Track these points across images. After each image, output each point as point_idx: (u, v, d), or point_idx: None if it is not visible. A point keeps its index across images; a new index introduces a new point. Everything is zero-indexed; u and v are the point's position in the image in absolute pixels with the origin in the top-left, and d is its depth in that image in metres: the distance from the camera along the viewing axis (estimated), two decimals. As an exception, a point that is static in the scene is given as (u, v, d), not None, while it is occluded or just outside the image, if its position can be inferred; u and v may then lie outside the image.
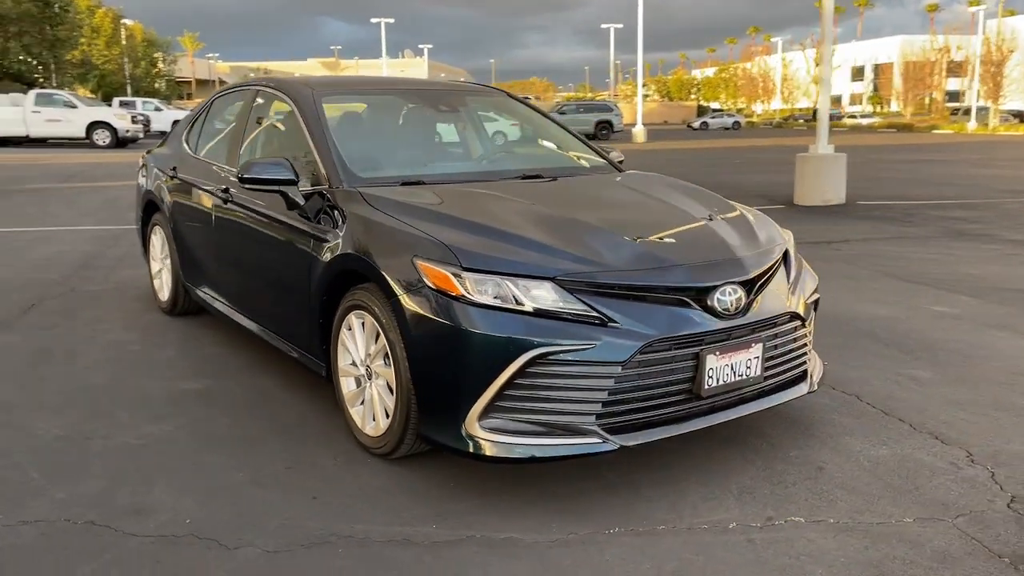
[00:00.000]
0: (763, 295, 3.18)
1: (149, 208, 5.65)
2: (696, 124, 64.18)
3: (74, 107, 28.44)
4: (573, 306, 2.83)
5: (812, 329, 3.50)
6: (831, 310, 5.62)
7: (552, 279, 2.85)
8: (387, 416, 3.17)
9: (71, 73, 44.47)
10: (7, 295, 6.15)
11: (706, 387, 2.97)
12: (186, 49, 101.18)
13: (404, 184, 3.67)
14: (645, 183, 4.12)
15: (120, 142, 28.45)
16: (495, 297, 2.82)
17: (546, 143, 4.77)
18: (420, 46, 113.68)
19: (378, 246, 3.19)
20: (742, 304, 3.05)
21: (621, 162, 4.71)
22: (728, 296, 3.01)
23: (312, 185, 3.68)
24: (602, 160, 4.53)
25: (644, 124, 40.18)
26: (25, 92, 30.45)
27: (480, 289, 2.83)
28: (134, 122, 29.51)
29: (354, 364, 3.38)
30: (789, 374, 3.32)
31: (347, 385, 3.45)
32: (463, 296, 2.83)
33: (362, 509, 2.90)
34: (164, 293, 5.53)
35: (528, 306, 2.81)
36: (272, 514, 2.87)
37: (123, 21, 61.62)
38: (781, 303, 3.24)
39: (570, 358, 2.78)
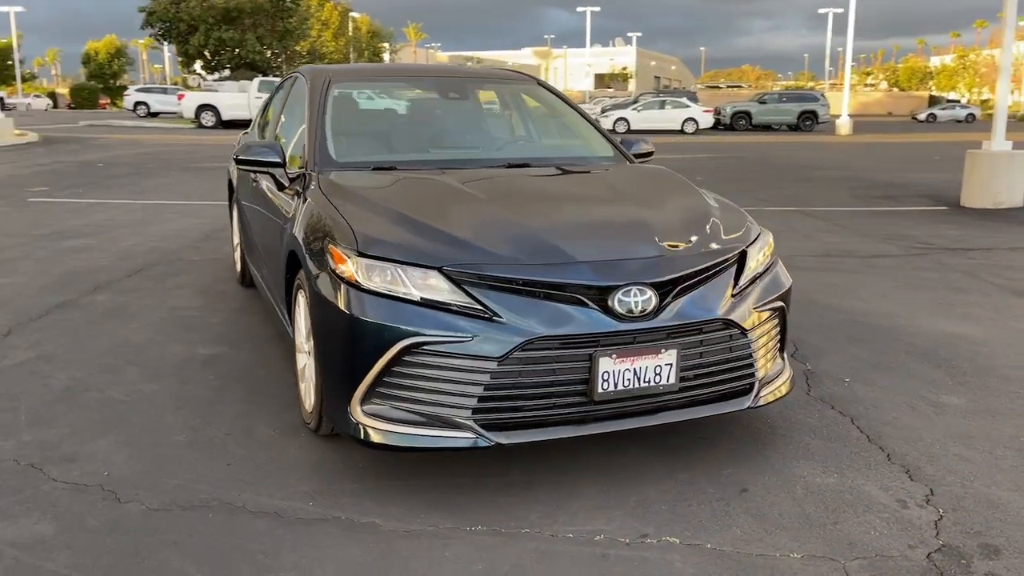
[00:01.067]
0: (686, 299, 2.95)
1: (229, 186, 6.14)
2: (922, 116, 58.92)
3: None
4: (457, 297, 2.78)
5: (770, 338, 3.21)
6: (892, 323, 5.09)
7: (439, 269, 2.82)
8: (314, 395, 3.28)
9: (299, 62, 48.35)
10: (123, 260, 6.88)
11: (600, 391, 2.82)
12: (409, 39, 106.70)
13: (375, 169, 3.75)
14: (631, 178, 3.95)
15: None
16: (385, 284, 2.83)
17: (564, 133, 4.67)
18: (629, 34, 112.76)
19: (309, 228, 3.29)
20: (651, 307, 2.86)
21: (647, 154, 4.51)
22: (633, 297, 2.83)
23: (299, 168, 3.85)
24: (617, 152, 4.35)
25: (861, 116, 37.53)
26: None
27: (372, 275, 2.84)
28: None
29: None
30: (722, 387, 3.07)
31: (299, 361, 3.59)
32: (356, 281, 2.86)
33: (260, 480, 3.02)
34: (238, 266, 5.98)
35: (415, 295, 2.80)
36: (179, 475, 3.06)
37: (351, 14, 66.05)
38: (711, 309, 2.99)
39: (445, 350, 2.74)
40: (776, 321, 3.28)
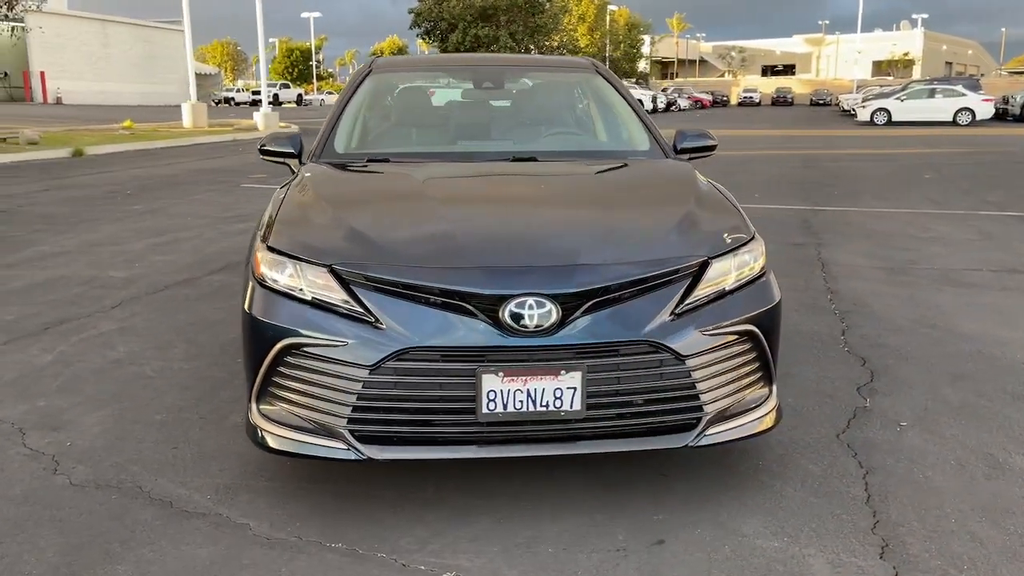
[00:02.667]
0: (600, 315, 2.56)
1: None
2: None
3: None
4: (341, 297, 2.62)
5: (733, 366, 2.71)
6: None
7: (329, 267, 2.67)
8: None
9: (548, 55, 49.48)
10: (219, 256, 7.36)
11: (484, 411, 2.52)
12: (672, 30, 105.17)
13: (370, 161, 3.67)
14: (633, 177, 3.59)
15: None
16: (285, 280, 2.73)
17: (606, 124, 4.28)
18: (915, 15, 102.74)
19: (262, 220, 3.27)
20: (549, 321, 2.51)
21: (701, 149, 4.02)
22: (529, 310, 2.50)
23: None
24: (656, 146, 3.91)
25: None
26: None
27: (273, 271, 2.76)
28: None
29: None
30: (652, 419, 2.63)
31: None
32: (260, 275, 2.80)
33: (189, 467, 3.06)
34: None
35: (307, 293, 2.68)
36: (125, 453, 3.17)
37: (609, 7, 66.34)
38: (635, 328, 2.57)
39: (321, 353, 2.59)
40: (747, 346, 2.77)
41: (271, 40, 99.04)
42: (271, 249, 2.80)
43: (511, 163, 3.64)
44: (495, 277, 2.57)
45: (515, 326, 2.50)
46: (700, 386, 2.65)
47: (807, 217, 8.96)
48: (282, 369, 2.66)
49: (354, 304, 2.59)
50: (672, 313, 2.63)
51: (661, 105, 48.87)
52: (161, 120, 29.16)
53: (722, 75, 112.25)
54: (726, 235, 2.91)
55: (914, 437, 3.27)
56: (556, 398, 2.53)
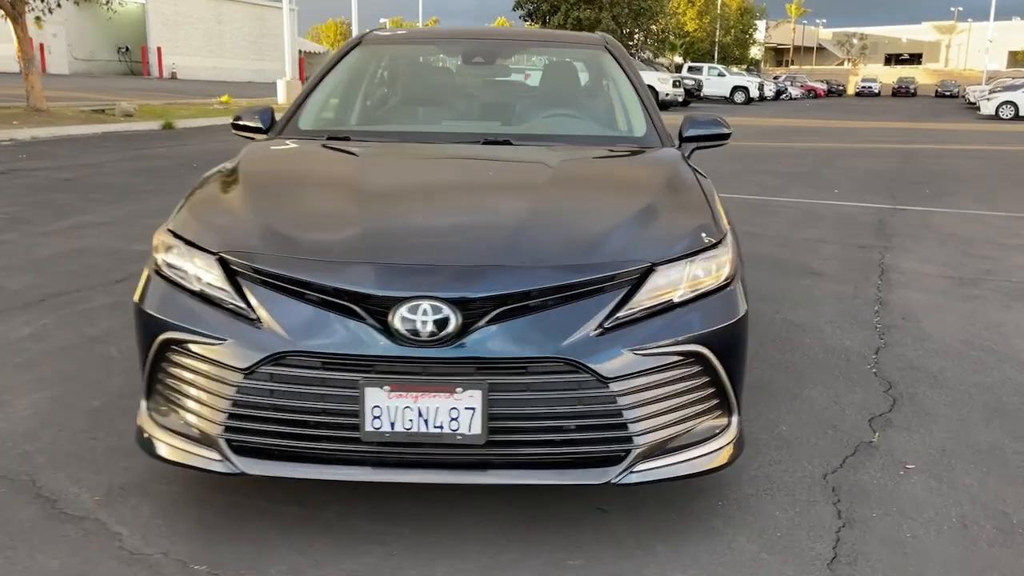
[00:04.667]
0: (509, 325, 2.20)
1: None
2: None
3: (625, 71, 30.92)
4: (225, 290, 2.34)
5: (676, 392, 2.31)
6: None
7: (217, 255, 2.39)
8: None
9: (653, 42, 48.17)
10: None
11: (368, 429, 2.20)
12: (789, 15, 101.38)
13: (330, 139, 3.37)
14: (604, 167, 3.17)
15: (660, 105, 30.15)
16: (177, 267, 2.47)
17: (603, 106, 3.85)
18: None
19: None
20: (447, 329, 2.16)
21: (707, 138, 3.58)
22: (423, 316, 2.16)
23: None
24: (654, 132, 3.47)
25: None
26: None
27: (168, 255, 2.51)
28: (675, 86, 30.91)
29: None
30: (568, 449, 2.25)
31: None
32: (155, 262, 2.55)
33: (97, 461, 2.85)
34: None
35: (195, 283, 2.41)
36: (41, 440, 2.99)
37: (721, -10, 64.28)
38: (551, 343, 2.20)
39: (200, 352, 2.32)
40: (696, 369, 2.35)
41: (382, 20, 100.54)
42: (170, 232, 2.55)
43: (479, 147, 3.28)
44: (388, 276, 2.23)
45: (406, 334, 2.16)
46: (629, 414, 2.25)
47: (884, 217, 8.21)
48: (165, 367, 2.41)
49: (237, 299, 2.31)
50: (599, 327, 2.24)
51: (769, 93, 47.02)
52: (261, 96, 29.83)
53: (840, 63, 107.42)
54: (685, 238, 2.49)
55: (917, 484, 2.77)
56: (452, 419, 2.19)
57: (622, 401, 2.24)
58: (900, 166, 13.40)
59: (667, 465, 2.32)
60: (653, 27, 46.61)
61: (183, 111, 20.10)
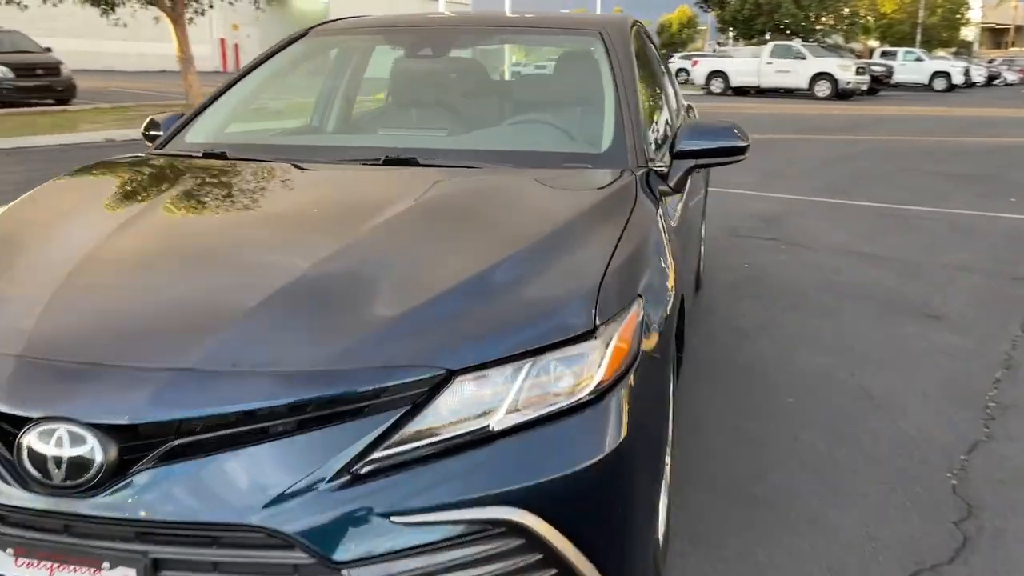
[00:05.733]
0: (195, 468, 1.42)
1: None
2: None
3: (803, 58, 28.61)
4: None
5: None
6: None
7: None
8: None
9: (841, 26, 44.53)
10: None
11: (1, 604, 1.50)
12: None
13: (206, 155, 2.69)
14: (489, 204, 2.23)
15: (840, 94, 27.65)
16: None
17: (571, 112, 2.92)
18: None
19: None
20: (92, 473, 1.42)
21: (708, 154, 2.64)
22: (56, 447, 1.42)
23: None
24: (619, 150, 2.53)
25: None
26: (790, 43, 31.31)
27: None
28: (859, 73, 28.20)
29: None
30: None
31: None
32: None
33: None
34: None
35: None
36: None
37: (926, -33, 58.71)
38: (253, 502, 1.40)
39: None
40: (515, 544, 1.47)
41: (563, 11, 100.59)
42: None
43: (367, 170, 2.49)
44: (19, 383, 1.51)
45: (35, 473, 1.44)
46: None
47: (1065, 236, 6.58)
48: None
49: None
50: (340, 476, 1.42)
51: (979, 79, 42.20)
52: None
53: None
54: (528, 325, 1.61)
55: None
56: (125, 602, 1.44)
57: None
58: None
59: None
60: (844, 9, 43.25)
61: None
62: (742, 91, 29.93)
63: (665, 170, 2.67)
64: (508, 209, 2.14)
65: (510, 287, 1.69)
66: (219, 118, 2.98)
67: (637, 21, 3.66)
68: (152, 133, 3.06)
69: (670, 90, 3.90)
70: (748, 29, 41.87)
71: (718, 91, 30.38)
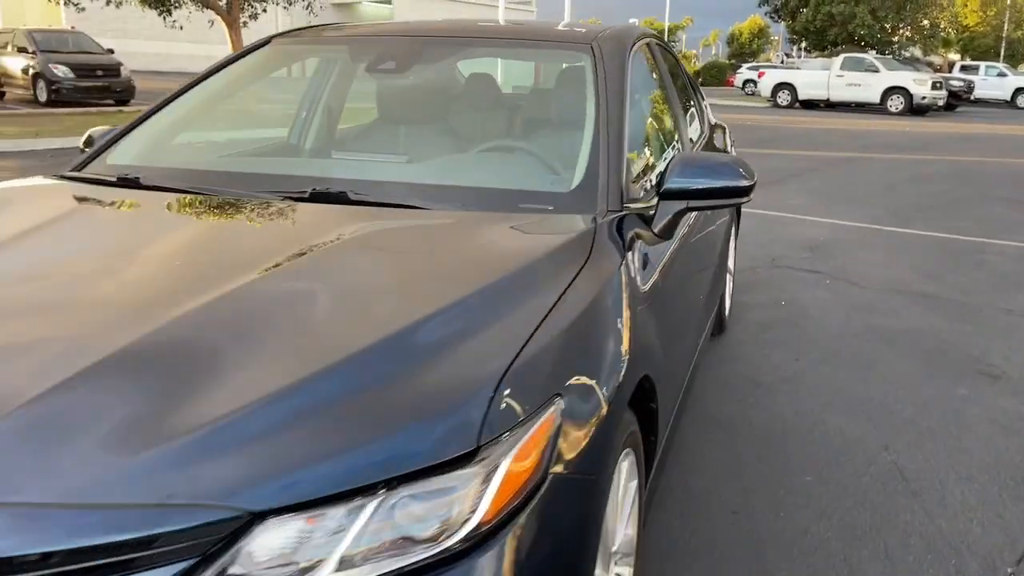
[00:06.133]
0: None
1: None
2: None
3: (876, 71, 27.49)
4: None
5: None
6: None
7: None
8: None
9: (920, 39, 42.82)
10: None
11: None
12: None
13: (120, 181, 2.35)
14: (423, 265, 1.80)
15: (915, 110, 26.48)
16: None
17: (538, 142, 2.49)
18: None
19: None
20: None
21: (691, 196, 2.19)
22: None
23: None
24: (587, 194, 2.09)
25: None
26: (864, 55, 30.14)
27: None
28: (935, 88, 26.96)
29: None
30: None
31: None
32: None
33: None
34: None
35: None
36: None
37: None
38: None
39: None
40: None
41: (632, 20, 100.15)
42: None
43: (289, 205, 2.10)
44: None
45: None
46: None
47: None
48: None
49: None
50: None
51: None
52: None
53: None
54: (376, 448, 1.19)
55: None
56: None
57: None
58: None
59: None
60: (923, 21, 41.65)
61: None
62: (810, 104, 28.93)
63: (652, 212, 2.23)
64: (413, 274, 1.71)
65: (366, 390, 1.28)
66: (153, 137, 2.65)
67: (650, 33, 3.22)
68: (88, 150, 2.74)
69: (685, 112, 3.44)
70: (820, 40, 40.69)
71: (785, 104, 29.42)
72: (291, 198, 2.12)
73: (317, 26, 3.06)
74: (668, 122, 2.97)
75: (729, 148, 4.37)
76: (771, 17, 43.40)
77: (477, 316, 1.47)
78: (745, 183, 2.21)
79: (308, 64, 3.06)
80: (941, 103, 27.39)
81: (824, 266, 5.89)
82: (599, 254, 1.80)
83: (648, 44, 3.05)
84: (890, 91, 26.94)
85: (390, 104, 2.83)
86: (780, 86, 29.79)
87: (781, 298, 5.05)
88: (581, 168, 2.17)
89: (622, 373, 1.60)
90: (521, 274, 1.65)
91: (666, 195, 2.21)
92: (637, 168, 2.36)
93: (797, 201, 8.70)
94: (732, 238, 4.46)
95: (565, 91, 2.73)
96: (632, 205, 2.14)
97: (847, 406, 3.48)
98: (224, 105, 2.80)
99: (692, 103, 3.82)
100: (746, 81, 42.08)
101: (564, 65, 2.81)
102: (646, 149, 2.57)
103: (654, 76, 3.00)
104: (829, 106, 28.73)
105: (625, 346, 1.67)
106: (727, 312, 4.38)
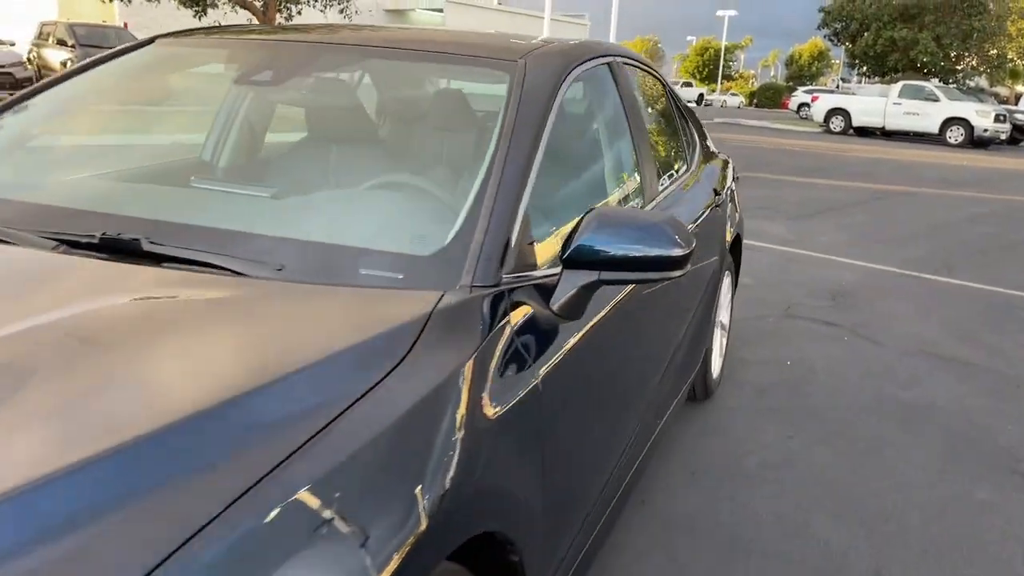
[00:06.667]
0: None
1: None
2: None
3: (935, 100, 26.42)
4: None
5: None
6: None
7: None
8: None
9: (984, 68, 41.26)
10: None
11: None
12: None
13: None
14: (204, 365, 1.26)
15: (976, 142, 25.36)
16: None
17: (442, 182, 1.96)
18: None
19: None
20: None
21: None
22: None
23: None
24: (449, 250, 1.58)
25: None
26: (926, 83, 29.04)
27: None
28: (998, 120, 25.78)
29: None
30: None
31: None
32: None
33: None
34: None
35: None
36: None
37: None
38: None
39: None
40: None
41: (689, 38, 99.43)
42: None
43: (69, 255, 1.61)
44: None
45: None
46: None
47: None
48: None
49: None
50: None
51: None
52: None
53: None
54: None
55: None
56: None
57: None
58: None
59: None
60: (991, 51, 40.19)
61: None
62: (865, 132, 27.92)
63: (555, 283, 1.70)
64: (142, 381, 1.20)
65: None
66: None
67: (620, 51, 2.69)
68: None
69: (664, 148, 2.90)
70: (880, 66, 39.53)
71: (838, 130, 28.46)
72: (83, 240, 1.63)
73: (207, 28, 2.59)
74: (624, 163, 2.43)
75: (729, 184, 3.80)
76: (831, 40, 42.32)
77: (139, 477, 0.96)
78: (677, 252, 1.67)
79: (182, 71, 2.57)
80: (1004, 136, 26.16)
81: (844, 318, 5.25)
82: (427, 352, 1.28)
83: (610, 65, 2.52)
84: (950, 121, 25.86)
85: (260, 125, 2.33)
86: (833, 111, 28.81)
87: (787, 356, 4.45)
88: (457, 224, 1.65)
89: (420, 532, 1.08)
90: (272, 395, 1.12)
91: (570, 262, 1.68)
92: (548, 226, 1.84)
93: (829, 238, 8.04)
94: (728, 287, 3.89)
95: (472, 120, 2.21)
96: (521, 274, 1.61)
97: (839, 507, 2.89)
98: (84, 109, 2.34)
99: (679, 137, 3.28)
100: (801, 105, 41.02)
101: (484, 87, 2.29)
102: (572, 201, 2.05)
103: (610, 105, 2.47)
104: (885, 135, 27.70)
105: (439, 492, 1.14)
106: (715, 374, 3.80)
